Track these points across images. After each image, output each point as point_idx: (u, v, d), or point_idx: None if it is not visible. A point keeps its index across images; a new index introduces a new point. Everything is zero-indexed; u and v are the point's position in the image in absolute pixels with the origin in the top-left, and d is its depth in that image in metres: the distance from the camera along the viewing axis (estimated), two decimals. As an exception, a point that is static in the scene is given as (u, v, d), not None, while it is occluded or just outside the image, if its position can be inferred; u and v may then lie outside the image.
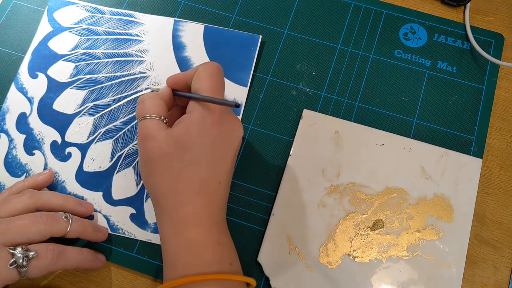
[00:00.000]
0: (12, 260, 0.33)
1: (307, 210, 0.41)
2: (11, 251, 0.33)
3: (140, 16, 0.48)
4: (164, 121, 0.35)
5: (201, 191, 0.33)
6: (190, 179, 0.33)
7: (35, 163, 0.43)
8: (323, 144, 0.43)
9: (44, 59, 0.46)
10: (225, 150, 0.34)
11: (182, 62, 0.46)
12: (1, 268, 0.33)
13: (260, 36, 0.47)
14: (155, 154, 0.33)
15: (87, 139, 0.44)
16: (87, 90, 0.45)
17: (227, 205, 0.41)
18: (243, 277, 0.33)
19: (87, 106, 0.45)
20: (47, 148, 0.44)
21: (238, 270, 0.34)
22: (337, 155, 0.42)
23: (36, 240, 0.35)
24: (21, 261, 0.33)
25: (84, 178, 0.43)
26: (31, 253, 0.33)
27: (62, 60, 0.46)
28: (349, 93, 0.45)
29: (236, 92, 0.45)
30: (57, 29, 0.48)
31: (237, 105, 0.32)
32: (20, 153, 0.43)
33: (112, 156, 0.43)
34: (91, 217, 0.41)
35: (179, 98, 0.39)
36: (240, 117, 0.44)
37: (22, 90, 0.45)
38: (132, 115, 0.44)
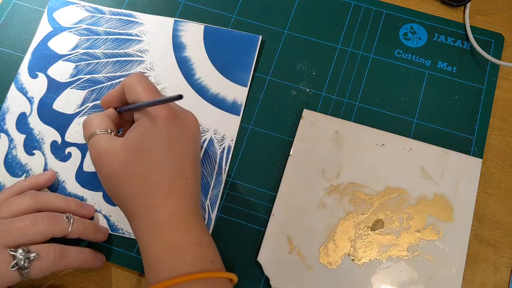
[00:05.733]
0: (13, 262, 0.33)
1: (307, 210, 0.41)
2: (12, 253, 0.33)
3: (140, 16, 0.48)
4: (112, 133, 0.34)
5: (170, 191, 0.32)
6: (157, 181, 0.32)
7: (35, 163, 0.43)
8: (323, 144, 0.43)
9: (44, 59, 0.46)
10: (184, 145, 0.34)
11: (182, 62, 0.46)
12: (2, 270, 0.33)
13: (260, 36, 0.47)
14: (114, 167, 0.32)
15: (87, 139, 0.44)
16: (87, 90, 0.45)
17: (227, 205, 0.42)
18: (226, 273, 0.33)
19: (87, 106, 0.45)
20: (47, 148, 0.43)
21: (220, 267, 0.33)
22: (337, 155, 0.42)
23: (37, 240, 0.35)
24: (22, 262, 0.33)
25: (84, 178, 0.43)
26: (32, 255, 0.33)
27: (62, 60, 0.46)
28: (349, 93, 0.45)
29: (236, 92, 0.45)
30: (57, 29, 0.48)
31: (180, 96, 0.30)
32: (20, 153, 0.43)
33: (112, 156, 0.43)
34: (91, 217, 0.41)
35: (127, 114, 0.38)
36: (240, 117, 0.44)
37: (22, 90, 0.45)
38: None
